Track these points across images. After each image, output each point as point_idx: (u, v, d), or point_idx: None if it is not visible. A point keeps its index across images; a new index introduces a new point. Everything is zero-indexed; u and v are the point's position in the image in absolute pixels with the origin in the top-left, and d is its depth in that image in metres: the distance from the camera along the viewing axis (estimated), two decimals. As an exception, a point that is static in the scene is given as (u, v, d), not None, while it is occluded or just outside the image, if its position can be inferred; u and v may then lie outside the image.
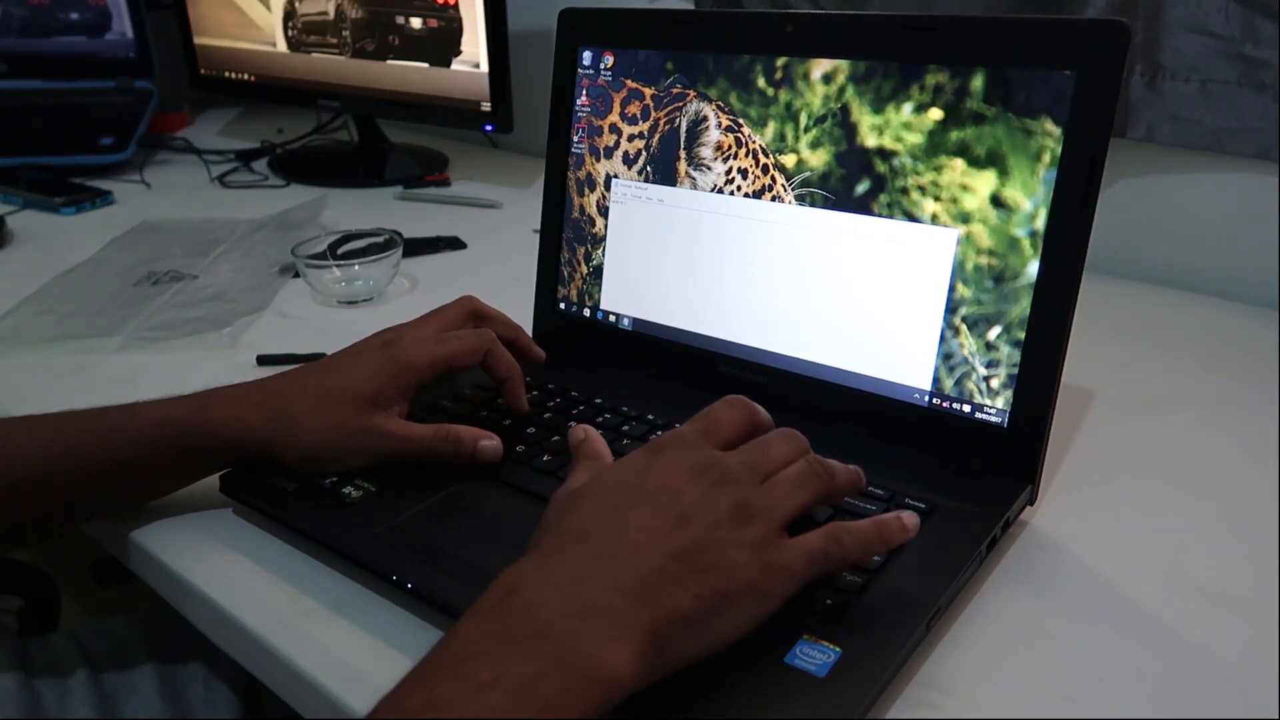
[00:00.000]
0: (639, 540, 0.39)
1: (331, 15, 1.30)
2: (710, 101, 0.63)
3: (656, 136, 0.66)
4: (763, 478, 0.42)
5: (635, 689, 0.36)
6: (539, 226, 0.73)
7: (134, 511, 0.57)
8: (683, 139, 0.65)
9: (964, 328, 0.55)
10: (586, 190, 0.70)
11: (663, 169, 0.66)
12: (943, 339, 0.56)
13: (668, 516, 0.39)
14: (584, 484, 0.43)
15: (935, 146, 0.55)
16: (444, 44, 1.21)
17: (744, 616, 0.39)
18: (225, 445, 0.54)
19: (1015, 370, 0.54)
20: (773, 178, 0.61)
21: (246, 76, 1.45)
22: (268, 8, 1.37)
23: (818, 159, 0.59)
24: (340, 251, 0.92)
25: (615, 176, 0.68)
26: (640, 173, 0.67)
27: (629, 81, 0.67)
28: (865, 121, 0.57)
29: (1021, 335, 0.53)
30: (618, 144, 0.68)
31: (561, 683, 0.34)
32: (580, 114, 0.70)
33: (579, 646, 0.35)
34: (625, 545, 0.38)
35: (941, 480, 0.54)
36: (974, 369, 0.55)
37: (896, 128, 0.56)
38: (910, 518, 0.43)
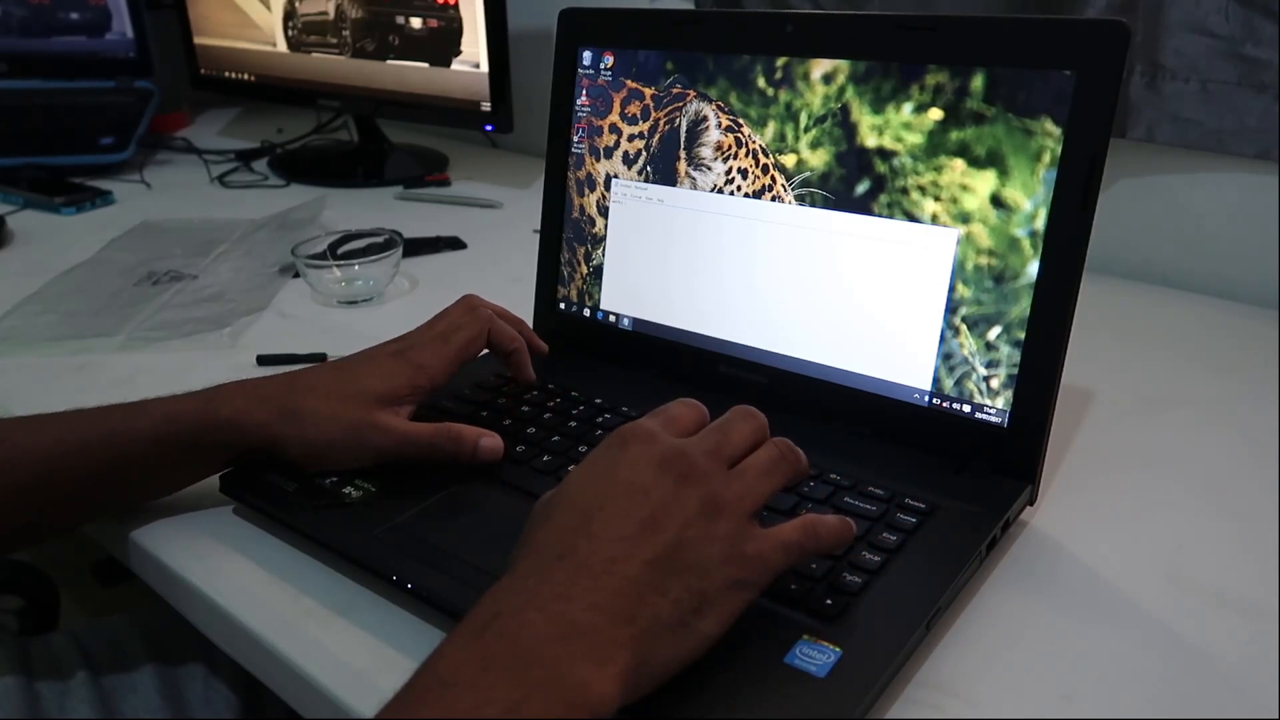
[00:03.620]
0: (614, 551, 0.39)
1: (331, 15, 1.30)
2: (710, 101, 0.63)
3: (656, 136, 0.66)
4: (729, 463, 0.43)
5: (623, 704, 0.36)
6: (539, 226, 0.73)
7: (138, 509, 0.57)
8: (683, 139, 0.65)
9: (964, 328, 0.55)
10: (586, 190, 0.70)
11: (663, 169, 0.66)
12: (943, 339, 0.56)
13: (638, 520, 0.39)
14: (556, 490, 0.43)
15: (935, 146, 0.55)
16: (444, 44, 1.21)
17: (725, 611, 0.39)
18: (232, 439, 0.54)
19: (1015, 370, 0.54)
20: (773, 178, 0.61)
21: (246, 76, 1.45)
22: (268, 8, 1.37)
23: (818, 159, 0.59)
24: (340, 251, 0.92)
25: (615, 176, 0.68)
26: (640, 173, 0.67)
27: (629, 81, 0.67)
28: (865, 121, 0.57)
29: (1021, 335, 0.53)
30: (618, 144, 0.68)
31: (545, 708, 0.34)
32: (580, 114, 0.70)
33: (563, 671, 0.35)
34: (602, 559, 0.38)
35: (941, 480, 0.54)
36: (974, 369, 0.55)
37: (896, 128, 0.56)
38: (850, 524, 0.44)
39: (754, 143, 0.61)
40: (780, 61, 0.60)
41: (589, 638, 0.36)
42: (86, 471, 0.53)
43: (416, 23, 1.23)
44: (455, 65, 1.21)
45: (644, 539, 0.39)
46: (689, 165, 0.65)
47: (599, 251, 0.70)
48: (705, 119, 0.63)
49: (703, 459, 0.42)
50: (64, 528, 0.58)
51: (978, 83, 0.54)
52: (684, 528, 0.39)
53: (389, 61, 1.27)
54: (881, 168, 0.57)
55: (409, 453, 0.55)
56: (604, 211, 0.69)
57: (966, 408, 0.56)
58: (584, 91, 0.69)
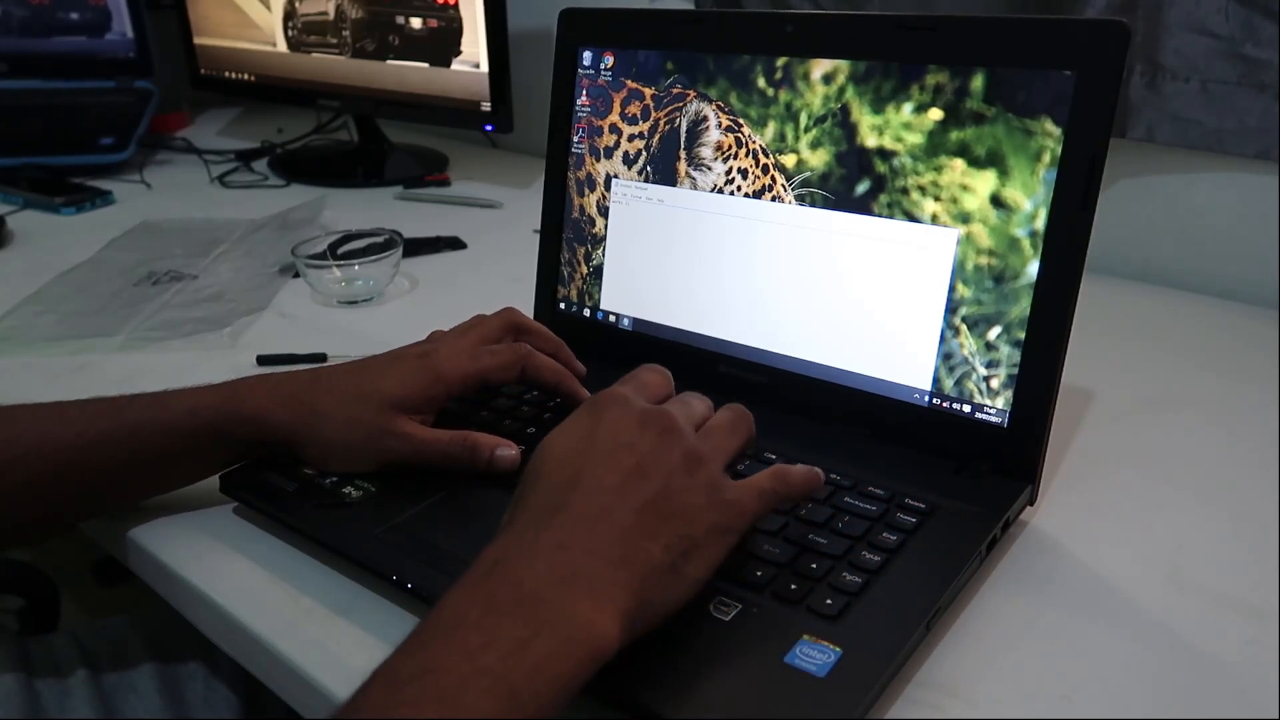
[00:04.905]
0: (606, 501, 0.40)
1: (331, 15, 1.30)
2: (710, 101, 0.63)
3: (656, 136, 0.66)
4: (696, 427, 0.46)
5: (622, 645, 0.37)
6: (539, 226, 0.73)
7: (143, 505, 0.57)
8: (683, 139, 0.65)
9: (964, 328, 0.55)
10: (586, 190, 0.70)
11: (663, 169, 0.66)
12: (943, 339, 0.56)
13: (625, 470, 0.41)
14: (537, 457, 0.44)
15: (935, 146, 0.55)
16: (444, 44, 1.21)
17: (711, 556, 0.42)
18: (252, 435, 0.55)
19: (1015, 370, 0.54)
20: (773, 178, 0.61)
21: (246, 76, 1.45)
22: (268, 8, 1.37)
23: (818, 159, 0.59)
24: (340, 251, 0.92)
25: (615, 176, 0.68)
26: (640, 173, 0.67)
27: (629, 81, 0.67)
28: (865, 121, 0.57)
29: (1021, 335, 0.53)
30: (618, 144, 0.68)
31: (552, 644, 0.35)
32: (580, 114, 0.70)
33: (566, 610, 0.37)
34: (596, 508, 0.40)
35: (941, 480, 0.54)
36: (974, 369, 0.55)
37: (896, 128, 0.56)
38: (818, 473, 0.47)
39: (754, 143, 0.61)
40: (780, 61, 0.60)
41: (589, 580, 0.38)
42: (108, 464, 0.53)
43: (416, 23, 1.23)
44: (455, 65, 1.21)
45: (633, 487, 0.41)
46: (689, 165, 0.65)
47: (599, 251, 0.70)
48: (705, 119, 0.63)
49: (679, 417, 0.44)
50: (80, 518, 0.58)
51: (978, 83, 0.54)
52: (669, 476, 0.42)
53: (389, 61, 1.27)
54: (881, 168, 0.57)
55: (425, 460, 0.55)
56: (604, 211, 0.69)
57: (966, 408, 0.56)
58: (584, 91, 0.69)
